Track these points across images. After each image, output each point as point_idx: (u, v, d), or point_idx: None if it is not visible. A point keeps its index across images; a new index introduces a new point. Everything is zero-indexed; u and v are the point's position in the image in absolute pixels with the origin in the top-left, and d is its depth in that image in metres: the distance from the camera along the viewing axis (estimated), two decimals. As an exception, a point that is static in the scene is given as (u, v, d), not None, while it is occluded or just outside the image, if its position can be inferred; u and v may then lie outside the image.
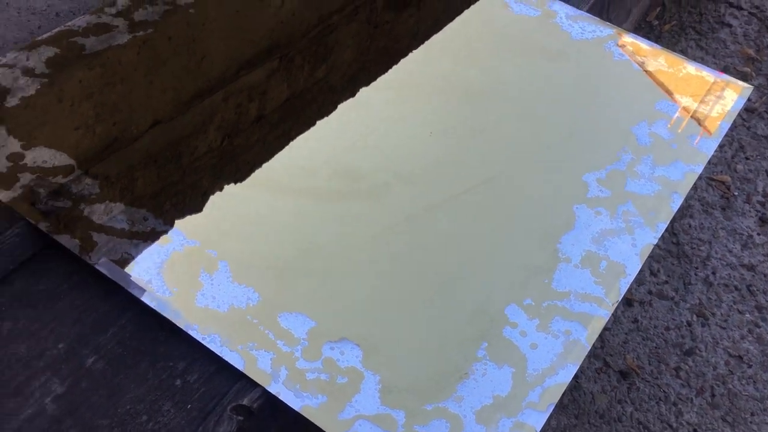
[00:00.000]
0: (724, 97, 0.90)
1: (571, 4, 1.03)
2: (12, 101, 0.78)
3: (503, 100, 0.88)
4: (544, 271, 0.71)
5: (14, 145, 0.74)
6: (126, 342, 0.63)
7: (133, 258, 0.67)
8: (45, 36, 0.85)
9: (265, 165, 0.79)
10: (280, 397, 0.59)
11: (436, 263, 0.71)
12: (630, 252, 0.73)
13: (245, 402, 0.59)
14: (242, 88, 0.88)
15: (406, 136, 0.83)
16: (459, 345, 0.64)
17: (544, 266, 0.71)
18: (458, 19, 0.99)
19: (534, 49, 0.95)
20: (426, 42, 0.96)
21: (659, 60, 0.95)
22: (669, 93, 0.90)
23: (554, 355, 0.64)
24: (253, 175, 0.78)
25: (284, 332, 0.63)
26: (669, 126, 0.86)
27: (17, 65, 0.82)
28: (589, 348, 0.66)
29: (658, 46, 0.97)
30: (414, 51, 0.94)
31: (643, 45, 0.96)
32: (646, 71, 0.93)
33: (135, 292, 0.64)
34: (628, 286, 0.71)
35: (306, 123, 0.85)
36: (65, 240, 0.67)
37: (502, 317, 0.67)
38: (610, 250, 0.73)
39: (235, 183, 0.77)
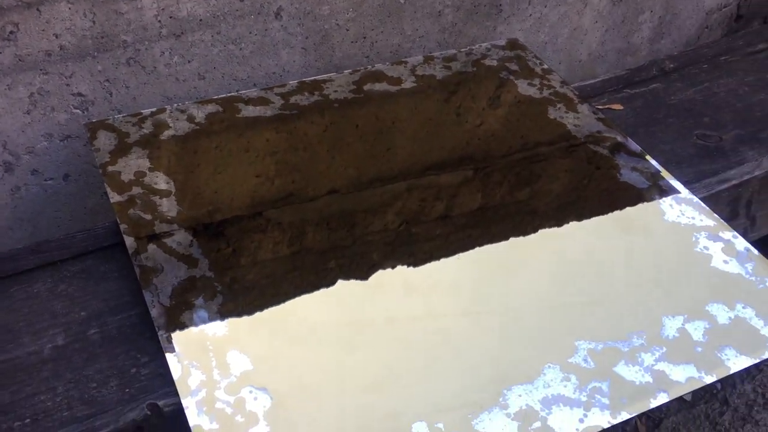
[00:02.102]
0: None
1: (698, 189, 1.02)
2: (166, 134, 1.02)
3: (561, 254, 0.92)
4: (475, 408, 0.74)
5: (143, 166, 0.97)
6: (124, 329, 0.81)
7: (162, 270, 0.84)
8: (218, 96, 1.09)
9: (430, 262, 0.89)
10: (186, 411, 0.71)
11: (384, 356, 0.78)
12: (572, 426, 0.73)
13: (161, 403, 0.72)
14: (430, 186, 1.01)
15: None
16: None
17: (478, 403, 0.75)
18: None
19: (618, 218, 0.97)
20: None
21: (747, 264, 0.90)
22: (733, 299, 0.86)
23: (430, 479, 0.68)
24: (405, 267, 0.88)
25: (224, 364, 0.76)
26: (707, 330, 0.83)
27: (186, 111, 1.06)
28: (466, 488, 0.68)
29: (756, 250, 0.92)
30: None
31: (739, 245, 0.93)
32: (722, 271, 0.90)
33: (146, 297, 0.81)
34: (546, 453, 0.71)
35: (496, 235, 0.93)
36: (129, 241, 0.87)
37: (407, 428, 0.72)
38: (553, 416, 0.74)
39: (408, 266, 0.88)
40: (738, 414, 1.43)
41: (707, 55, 1.31)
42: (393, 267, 0.89)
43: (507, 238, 0.93)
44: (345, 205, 0.96)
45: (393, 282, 0.87)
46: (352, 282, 0.87)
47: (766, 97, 1.21)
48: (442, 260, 0.90)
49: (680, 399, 1.47)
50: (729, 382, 1.49)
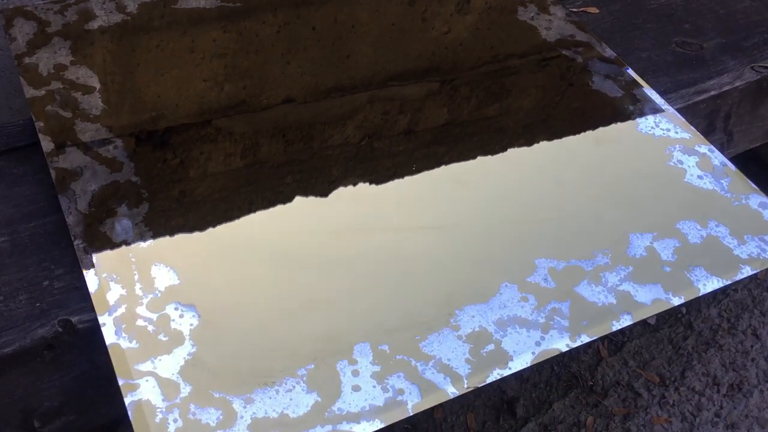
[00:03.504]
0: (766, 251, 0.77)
1: (675, 100, 0.95)
2: (92, 25, 0.91)
3: (528, 169, 0.85)
4: (423, 330, 0.68)
5: (64, 58, 0.86)
6: (36, 237, 0.72)
7: (81, 173, 0.76)
8: (152, -16, 0.98)
9: (393, 179, 0.82)
10: (102, 328, 0.64)
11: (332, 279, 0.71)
12: (527, 349, 0.67)
13: (74, 319, 0.65)
14: (393, 98, 0.92)
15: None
16: (289, 354, 0.65)
17: (426, 324, 0.68)
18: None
19: (590, 126, 0.89)
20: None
21: (722, 180, 0.84)
22: (705, 217, 0.80)
23: (371, 404, 0.62)
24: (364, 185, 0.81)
25: (148, 279, 0.68)
26: (677, 249, 0.77)
27: (116, 1, 0.95)
28: (410, 414, 0.62)
29: (733, 166, 0.86)
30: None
31: (715, 159, 0.86)
32: (695, 186, 0.83)
33: (62, 203, 0.73)
34: (499, 378, 0.66)
35: (460, 153, 0.85)
36: (44, 140, 0.78)
37: (348, 349, 0.66)
38: (508, 338, 0.68)
39: (369, 183, 0.81)
40: (702, 338, 1.40)
41: (691, -43, 1.21)
42: (354, 184, 0.81)
43: (474, 157, 0.86)
44: (302, 116, 0.87)
45: (353, 199, 0.79)
46: (311, 199, 0.79)
47: (750, 4, 1.13)
48: (406, 178, 0.83)
49: (643, 322, 1.44)
50: (694, 306, 1.46)
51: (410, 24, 1.02)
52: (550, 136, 0.88)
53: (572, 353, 1.34)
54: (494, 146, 0.87)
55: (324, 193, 0.79)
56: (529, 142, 0.88)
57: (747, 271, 0.75)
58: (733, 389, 1.27)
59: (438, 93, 0.93)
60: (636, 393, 1.26)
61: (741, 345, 1.39)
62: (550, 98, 0.93)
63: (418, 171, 0.83)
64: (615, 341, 1.37)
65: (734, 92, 0.98)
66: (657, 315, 1.44)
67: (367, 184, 0.81)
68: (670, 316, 1.45)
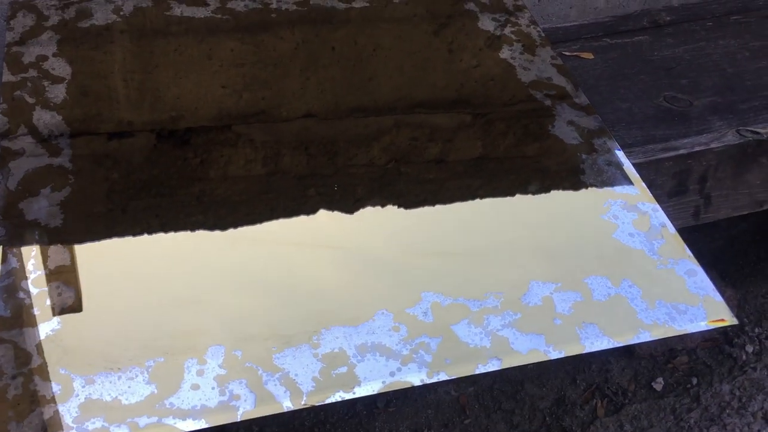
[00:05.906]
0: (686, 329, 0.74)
1: (636, 154, 0.91)
2: (85, 23, 0.99)
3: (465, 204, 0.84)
4: (282, 342, 0.69)
5: (49, 51, 0.94)
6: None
7: (23, 154, 0.82)
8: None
9: (420, 207, 0.83)
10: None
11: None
12: (379, 377, 0.67)
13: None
14: (421, 125, 0.93)
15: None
16: (143, 345, 0.68)
17: (287, 337, 0.70)
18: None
19: (532, 169, 0.88)
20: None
21: (654, 242, 0.80)
22: (620, 276, 0.77)
23: (203, 404, 0.64)
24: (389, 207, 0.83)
25: (44, 257, 0.73)
26: (576, 303, 0.74)
27: (115, 3, 1.02)
28: (238, 420, 0.64)
29: (673, 228, 0.82)
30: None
31: (655, 220, 0.82)
32: (622, 244, 0.80)
33: (-2, 176, 0.79)
34: (341, 400, 0.66)
35: (496, 189, 0.86)
36: (2, 121, 0.85)
37: (202, 349, 0.68)
38: (365, 363, 0.68)
39: (396, 206, 0.82)
40: (707, 414, 1.32)
41: (715, 12, 1.17)
42: (382, 206, 0.82)
43: (513, 195, 0.85)
44: (323, 132, 0.90)
45: (376, 221, 0.81)
46: (336, 214, 0.81)
47: (766, 66, 1.07)
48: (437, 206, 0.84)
49: (649, 387, 1.37)
50: (706, 379, 1.38)
51: (435, 54, 1.02)
52: (485, 174, 0.87)
53: (568, 406, 1.30)
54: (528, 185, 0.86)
55: (349, 210, 0.82)
56: (467, 176, 0.87)
57: (645, 337, 0.72)
58: (732, 475, 1.19)
59: (471, 126, 0.93)
60: (626, 461, 1.21)
61: (748, 428, 1.29)
62: (500, 141, 0.92)
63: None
64: (615, 401, 1.32)
65: (709, 154, 0.93)
66: (664, 382, 1.37)
67: (395, 207, 0.83)
68: (679, 384, 1.37)
